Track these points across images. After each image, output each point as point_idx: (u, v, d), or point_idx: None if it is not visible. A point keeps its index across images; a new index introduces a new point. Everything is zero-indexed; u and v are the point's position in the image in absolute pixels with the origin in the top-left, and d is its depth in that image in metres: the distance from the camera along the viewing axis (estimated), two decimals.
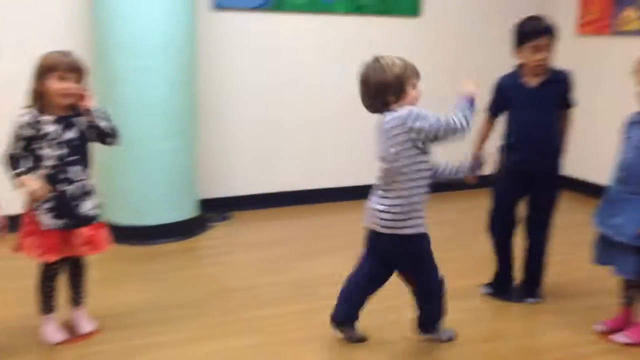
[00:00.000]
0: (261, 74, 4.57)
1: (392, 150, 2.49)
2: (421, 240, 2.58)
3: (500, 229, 3.15)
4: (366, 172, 4.99)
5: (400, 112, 2.46)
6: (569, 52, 5.24)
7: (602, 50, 4.92)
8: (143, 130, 3.80)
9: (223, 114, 4.52)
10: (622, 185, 2.65)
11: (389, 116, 2.50)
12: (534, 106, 2.98)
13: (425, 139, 2.46)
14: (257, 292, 3.23)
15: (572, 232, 3.98)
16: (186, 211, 4.09)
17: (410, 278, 2.65)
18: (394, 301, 2.97)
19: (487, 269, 3.31)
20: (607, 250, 2.72)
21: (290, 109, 4.70)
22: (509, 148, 3.08)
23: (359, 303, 2.70)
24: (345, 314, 2.69)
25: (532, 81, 2.99)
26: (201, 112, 4.27)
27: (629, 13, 4.69)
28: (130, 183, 3.88)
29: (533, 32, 2.91)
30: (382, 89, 2.54)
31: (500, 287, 3.21)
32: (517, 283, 3.24)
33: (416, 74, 2.59)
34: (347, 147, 4.91)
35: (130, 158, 3.83)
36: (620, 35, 4.74)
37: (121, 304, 3.05)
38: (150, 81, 3.79)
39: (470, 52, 5.10)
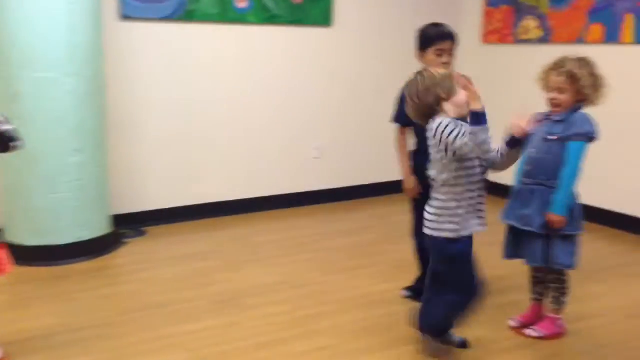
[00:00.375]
0: (173, 86, 4.47)
1: (431, 157, 2.53)
2: (454, 245, 2.54)
3: (416, 231, 3.21)
4: (286, 181, 5.02)
5: (435, 122, 2.46)
6: (475, 60, 5.47)
7: (505, 58, 5.16)
8: (48, 145, 3.63)
9: (134, 126, 4.39)
10: (528, 178, 2.78)
11: (430, 124, 2.50)
12: None
13: (450, 151, 2.44)
14: (177, 308, 3.14)
15: (484, 232, 4.12)
16: (98, 228, 3.93)
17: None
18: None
19: (407, 273, 3.37)
20: (515, 243, 2.83)
21: (204, 121, 4.62)
22: (422, 154, 3.13)
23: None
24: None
25: None
26: (110, 125, 4.13)
27: (528, 22, 4.94)
28: (36, 201, 3.69)
29: (437, 36, 3.02)
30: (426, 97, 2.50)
31: (421, 290, 3.27)
32: None
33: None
34: (266, 157, 4.88)
35: (36, 174, 3.64)
36: (522, 43, 4.99)
37: (31, 328, 2.88)
38: (54, 94, 3.62)
39: (381, 61, 5.21)
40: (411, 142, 3.18)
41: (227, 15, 4.54)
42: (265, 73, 4.80)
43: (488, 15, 5.28)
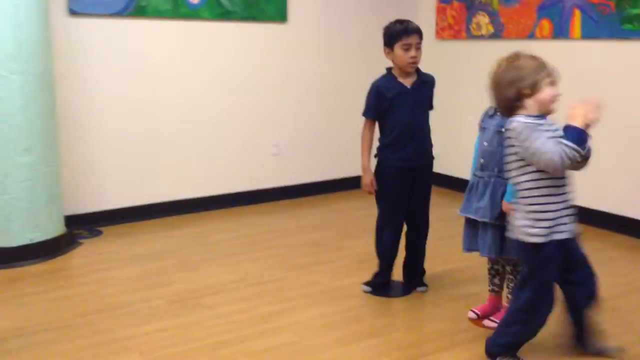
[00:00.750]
0: (125, 84, 4.38)
1: (505, 158, 2.48)
2: (529, 248, 2.43)
3: (395, 227, 3.23)
4: (244, 179, 4.97)
5: (511, 124, 2.38)
6: (430, 56, 5.51)
7: (459, 54, 5.22)
8: None
9: (86, 125, 4.28)
10: (482, 171, 2.82)
11: (508, 123, 2.42)
12: (414, 105, 3.12)
13: (523, 158, 2.37)
14: (133, 309, 3.08)
15: (443, 225, 4.18)
16: (51, 229, 3.82)
17: None
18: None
19: (368, 268, 3.39)
20: (474, 235, 2.87)
21: (159, 119, 4.55)
22: (391, 148, 3.16)
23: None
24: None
25: (407, 82, 3.11)
26: (61, 123, 4.02)
27: (480, 18, 5.01)
28: None
29: (403, 31, 3.04)
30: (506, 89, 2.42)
31: (382, 284, 3.29)
32: (403, 277, 3.35)
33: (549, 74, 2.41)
34: (223, 154, 4.83)
35: None
36: (475, 39, 5.06)
37: None
38: (1, 92, 3.50)
39: (338, 57, 5.22)
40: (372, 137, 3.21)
41: (179, 11, 4.47)
42: (220, 70, 4.75)
43: (441, 12, 5.34)
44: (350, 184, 4.81)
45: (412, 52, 3.04)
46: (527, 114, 2.40)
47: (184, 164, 4.69)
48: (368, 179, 3.18)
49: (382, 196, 3.22)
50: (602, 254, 3.71)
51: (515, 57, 2.44)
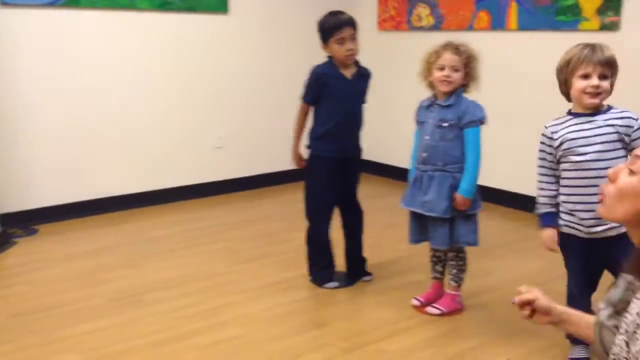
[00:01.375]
0: (61, 75, 4.23)
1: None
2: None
3: (325, 216, 3.23)
4: (188, 172, 4.88)
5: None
6: (372, 48, 5.54)
7: (401, 45, 5.27)
8: None
9: (20, 119, 4.12)
10: (425, 164, 2.85)
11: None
12: (352, 97, 3.12)
13: None
14: (71, 309, 2.98)
15: (386, 215, 4.21)
16: None
17: None
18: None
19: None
20: (420, 228, 2.91)
21: (96, 112, 4.41)
22: (326, 138, 3.15)
23: None
24: None
25: (347, 73, 3.10)
26: None
27: (421, 10, 5.06)
28: None
29: (335, 25, 3.02)
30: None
31: (326, 275, 3.28)
32: (346, 267, 3.35)
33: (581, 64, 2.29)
34: (165, 147, 4.73)
35: None
36: (416, 30, 5.11)
37: None
38: None
39: (280, 47, 5.18)
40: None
41: (115, 1, 4.34)
42: (160, 62, 4.64)
43: (382, 3, 5.37)
44: (296, 175, 4.80)
45: (348, 45, 3.02)
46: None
47: (124, 157, 4.58)
48: (296, 152, 3.22)
49: (314, 187, 3.21)
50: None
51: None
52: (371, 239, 3.77)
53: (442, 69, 2.76)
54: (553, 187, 2.41)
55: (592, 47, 2.28)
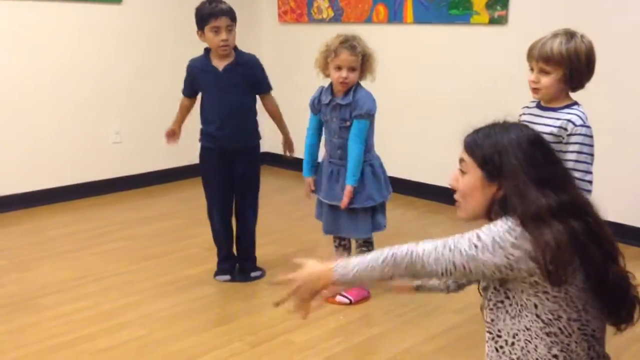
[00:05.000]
0: None
1: None
2: None
3: (217, 207, 3.18)
4: (83, 169, 4.65)
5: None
6: (273, 39, 5.53)
7: (301, 37, 5.27)
8: None
9: None
10: (343, 160, 2.88)
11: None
12: (226, 88, 3.04)
13: None
14: None
15: (294, 207, 4.22)
16: None
17: None
18: None
19: (213, 254, 3.30)
20: (335, 219, 2.93)
21: None
22: (208, 131, 3.11)
23: None
24: None
25: (220, 65, 3.04)
26: None
27: (321, 3, 5.08)
28: None
29: (211, 13, 2.96)
30: None
31: (228, 270, 3.24)
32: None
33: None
34: (58, 143, 4.48)
35: None
36: (316, 23, 5.13)
37: None
38: None
39: (175, 39, 5.02)
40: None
41: None
42: (50, 54, 4.39)
43: None
44: (195, 170, 4.70)
45: (223, 35, 2.95)
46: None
47: (12, 155, 4.30)
48: (171, 128, 3.24)
49: (204, 179, 3.21)
50: (443, 226, 3.94)
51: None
52: (276, 232, 3.76)
53: (339, 68, 2.78)
54: None
55: (552, 37, 2.16)
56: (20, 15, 4.23)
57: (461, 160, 1.48)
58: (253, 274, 3.25)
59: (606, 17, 3.57)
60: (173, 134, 3.25)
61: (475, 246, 1.34)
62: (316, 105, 2.96)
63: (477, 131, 1.49)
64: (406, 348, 2.57)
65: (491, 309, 1.45)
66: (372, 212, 2.91)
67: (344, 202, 2.82)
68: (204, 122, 3.13)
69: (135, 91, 4.86)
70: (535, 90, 2.22)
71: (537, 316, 1.36)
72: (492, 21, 4.09)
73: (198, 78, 3.07)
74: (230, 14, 2.99)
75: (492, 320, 1.45)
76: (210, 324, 2.79)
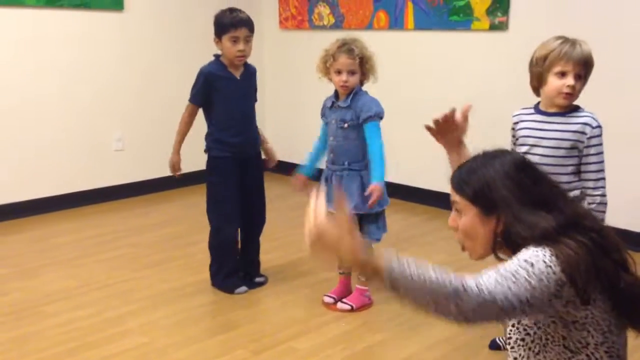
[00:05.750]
0: None
1: None
2: None
3: (229, 218, 3.16)
4: (86, 177, 4.67)
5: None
6: (274, 46, 5.55)
7: (302, 44, 5.29)
8: None
9: None
10: (334, 165, 2.90)
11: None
12: (243, 96, 3.10)
13: None
14: None
15: (296, 214, 4.20)
16: None
17: None
18: None
19: None
20: None
21: None
22: (223, 140, 3.10)
23: None
24: None
25: (236, 73, 3.08)
26: None
27: (321, 9, 5.11)
28: None
29: (232, 23, 2.98)
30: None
31: (236, 281, 3.21)
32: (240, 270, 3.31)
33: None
34: (60, 151, 4.51)
35: None
36: (317, 29, 5.15)
37: None
38: None
39: (178, 46, 5.06)
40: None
41: None
42: (52, 62, 4.42)
43: (283, 2, 5.37)
44: (198, 177, 4.71)
45: (240, 46, 2.98)
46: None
47: (17, 163, 4.32)
48: (175, 159, 3.19)
49: (215, 189, 3.15)
50: (441, 232, 3.95)
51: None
52: (280, 238, 3.78)
53: (339, 72, 2.81)
54: None
55: (572, 43, 2.14)
56: (22, 23, 4.25)
57: (454, 202, 1.45)
58: (257, 280, 3.27)
59: (606, 23, 3.58)
60: (178, 166, 3.21)
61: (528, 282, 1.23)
62: (324, 111, 2.98)
63: (460, 169, 1.45)
64: (408, 355, 2.58)
65: (512, 347, 1.40)
66: (360, 221, 2.86)
67: (370, 202, 2.79)
68: (218, 130, 3.09)
69: (138, 98, 4.88)
70: (569, 96, 2.14)
71: (565, 347, 1.31)
72: (493, 27, 4.11)
73: (216, 85, 3.04)
74: (250, 25, 3.01)
75: (515, 359, 1.40)
76: (213, 331, 2.80)
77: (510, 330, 1.41)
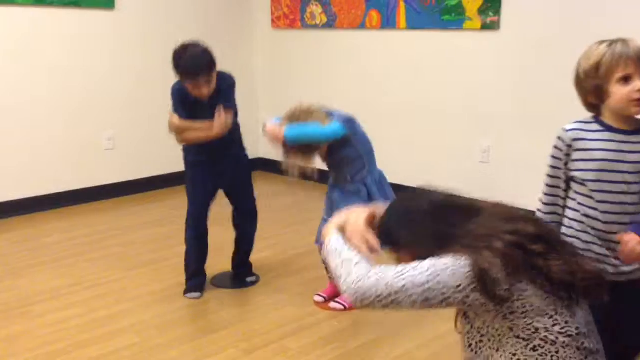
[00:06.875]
0: None
1: None
2: None
3: (199, 222, 3.13)
4: (76, 176, 4.64)
5: None
6: (266, 45, 5.54)
7: (294, 43, 5.28)
8: None
9: None
10: (335, 182, 2.90)
11: None
12: (211, 116, 2.90)
13: None
14: None
15: (290, 213, 4.22)
16: None
17: None
18: None
19: (213, 261, 3.29)
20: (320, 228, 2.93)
21: None
22: (196, 150, 3.05)
23: None
24: None
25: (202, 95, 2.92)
26: None
27: (314, 8, 5.10)
28: None
29: (188, 75, 2.84)
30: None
31: (200, 286, 3.16)
32: (232, 268, 3.32)
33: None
34: (49, 150, 4.48)
35: None
36: (310, 28, 5.14)
37: None
38: None
39: (167, 46, 4.98)
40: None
41: None
42: (42, 60, 4.39)
43: (276, 1, 5.35)
44: None
45: (202, 91, 2.84)
46: None
47: (5, 162, 4.29)
48: (176, 122, 2.96)
49: (188, 191, 3.14)
50: None
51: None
52: (272, 237, 3.76)
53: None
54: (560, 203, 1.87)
55: (623, 41, 1.76)
56: (12, 21, 4.22)
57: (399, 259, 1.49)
58: (249, 279, 3.26)
59: (598, 23, 3.59)
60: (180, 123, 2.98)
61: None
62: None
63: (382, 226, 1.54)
64: (400, 354, 2.57)
65: (476, 352, 1.43)
66: None
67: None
68: (193, 148, 3.06)
69: (128, 97, 4.86)
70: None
71: (517, 337, 1.35)
72: (485, 27, 4.11)
73: (186, 103, 2.94)
74: (208, 70, 2.83)
75: None
76: (204, 331, 2.79)
77: (468, 337, 1.44)
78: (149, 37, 4.91)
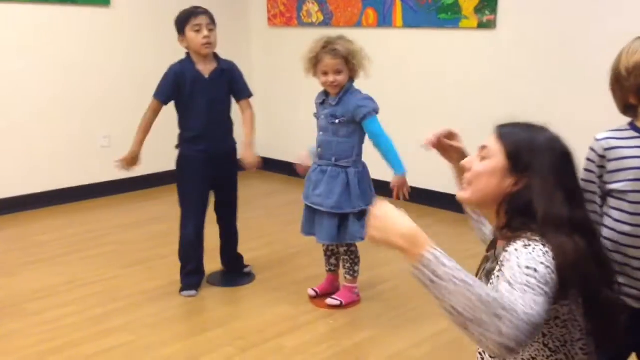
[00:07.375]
0: None
1: None
2: None
3: (198, 219, 3.12)
4: (72, 173, 4.62)
5: None
6: (262, 43, 5.53)
7: (291, 41, 5.26)
8: None
9: None
10: (321, 159, 2.88)
11: None
12: (210, 96, 3.02)
13: None
14: None
15: (286, 210, 4.21)
16: None
17: None
18: None
19: (209, 257, 3.28)
20: (310, 221, 2.92)
21: None
22: (192, 139, 3.06)
23: None
24: None
25: (205, 70, 3.01)
26: None
27: (310, 6, 5.09)
28: None
29: (191, 12, 2.99)
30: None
31: (197, 284, 3.16)
32: (222, 265, 3.32)
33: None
34: (46, 148, 4.45)
35: None
36: (306, 26, 5.13)
37: None
38: None
39: (165, 42, 5.00)
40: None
41: None
42: (38, 57, 4.37)
43: None
44: None
45: (205, 32, 2.96)
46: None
47: (2, 158, 4.27)
48: (130, 155, 3.13)
49: (184, 188, 3.12)
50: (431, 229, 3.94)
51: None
52: (266, 235, 3.75)
53: (325, 73, 2.78)
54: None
55: None
56: (7, 18, 4.20)
57: (484, 147, 1.41)
58: (246, 270, 3.28)
59: (595, 21, 3.59)
60: (134, 159, 3.14)
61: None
62: (316, 107, 2.96)
63: (514, 124, 1.42)
64: (396, 352, 2.57)
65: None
66: (342, 220, 2.84)
67: (395, 194, 2.82)
68: (186, 128, 3.07)
69: (124, 95, 4.84)
70: None
71: (545, 345, 1.30)
72: (481, 25, 4.11)
73: (184, 85, 3.00)
74: (210, 15, 3.02)
75: (491, 357, 1.36)
76: (200, 328, 2.78)
77: None
78: (144, 34, 4.90)
